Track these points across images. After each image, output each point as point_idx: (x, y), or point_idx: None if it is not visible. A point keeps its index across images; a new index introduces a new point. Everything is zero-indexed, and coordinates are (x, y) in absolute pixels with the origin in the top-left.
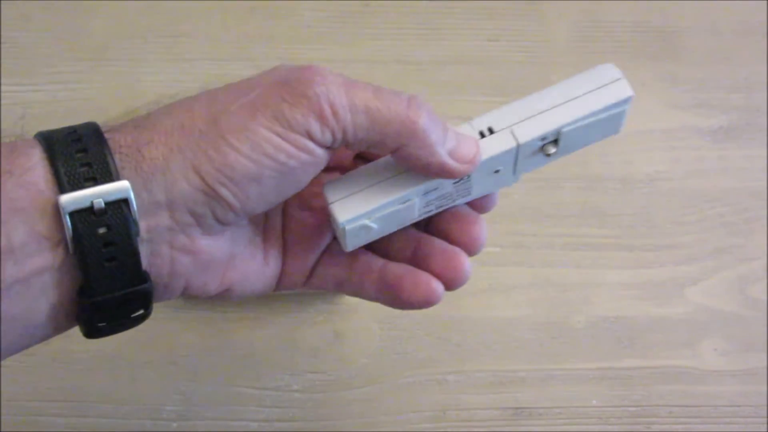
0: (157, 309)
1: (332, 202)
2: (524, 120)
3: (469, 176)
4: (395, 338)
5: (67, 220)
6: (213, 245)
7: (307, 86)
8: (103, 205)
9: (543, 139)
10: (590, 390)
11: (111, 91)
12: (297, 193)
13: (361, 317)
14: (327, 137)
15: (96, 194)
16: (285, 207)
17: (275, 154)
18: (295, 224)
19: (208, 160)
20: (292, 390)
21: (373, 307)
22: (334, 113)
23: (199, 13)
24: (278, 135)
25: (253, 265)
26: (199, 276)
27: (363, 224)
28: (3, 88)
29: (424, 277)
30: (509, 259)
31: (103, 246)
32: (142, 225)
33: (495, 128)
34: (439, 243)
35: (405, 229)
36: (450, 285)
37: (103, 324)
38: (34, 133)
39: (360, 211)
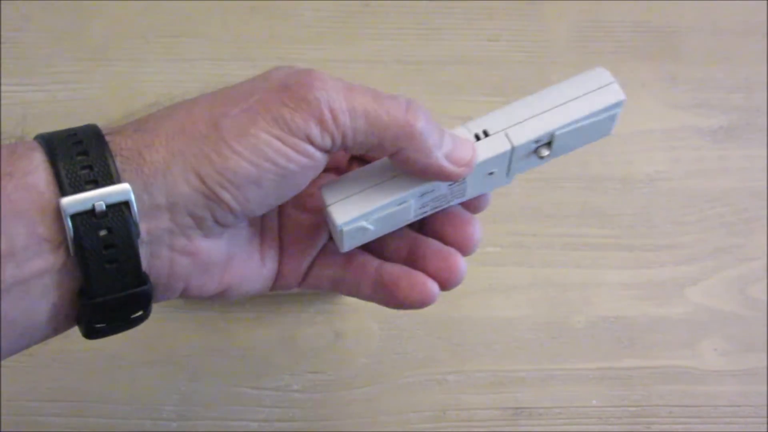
0: (157, 309)
1: (330, 204)
2: (518, 123)
3: (464, 178)
4: (395, 338)
5: (69, 223)
6: (212, 247)
7: (308, 91)
8: (104, 207)
9: (537, 141)
10: (590, 390)
11: (111, 91)
12: None
13: (361, 317)
14: (327, 141)
15: (97, 197)
16: (281, 208)
17: (276, 157)
18: (291, 225)
19: (209, 164)
20: (292, 390)
21: (373, 307)
22: (334, 118)
23: (199, 13)
24: (279, 139)
25: (250, 265)
26: (197, 277)
27: (360, 226)
28: (3, 88)
29: (421, 277)
30: (509, 259)
31: (104, 248)
32: (143, 227)
33: (490, 131)
34: (434, 244)
35: (400, 229)
36: (445, 285)
37: (103, 325)
38: (34, 134)
39: (358, 213)
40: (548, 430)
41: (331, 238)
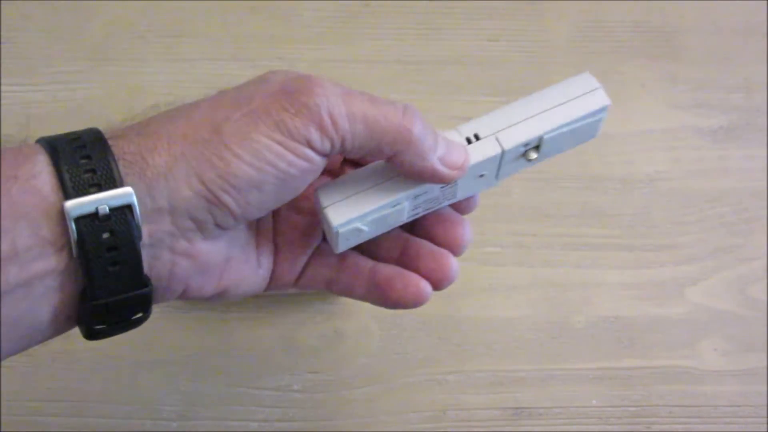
0: (157, 309)
1: (326, 207)
2: (508, 127)
3: (456, 181)
4: (395, 338)
5: (72, 226)
6: (211, 249)
7: (308, 97)
8: (107, 210)
9: (526, 145)
10: (590, 390)
11: (111, 91)
12: None
13: (361, 317)
14: (326, 146)
15: (101, 200)
16: (276, 210)
17: (277, 161)
18: (285, 226)
19: (211, 168)
20: (292, 390)
21: (373, 307)
22: (334, 123)
23: (199, 13)
24: (280, 143)
25: (247, 266)
26: (197, 279)
27: (355, 227)
28: (3, 88)
29: (414, 278)
30: (509, 259)
31: (107, 251)
32: (145, 230)
33: (481, 135)
34: (426, 245)
35: (392, 230)
36: (438, 285)
37: (103, 326)
38: (38, 135)
39: (353, 215)
40: (548, 430)
41: (325, 239)
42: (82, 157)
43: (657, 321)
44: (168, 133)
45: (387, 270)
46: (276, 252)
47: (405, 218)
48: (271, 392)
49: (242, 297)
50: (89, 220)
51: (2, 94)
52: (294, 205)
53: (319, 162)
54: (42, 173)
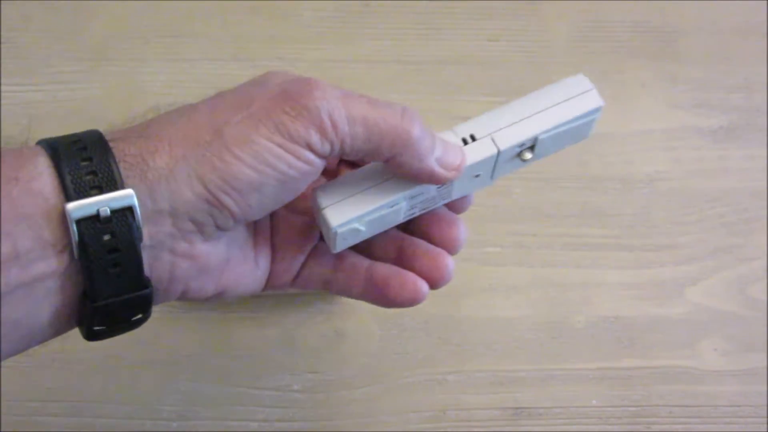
0: (157, 310)
1: (324, 207)
2: (504, 128)
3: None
4: (395, 338)
5: (74, 227)
6: (211, 250)
7: (308, 99)
8: (108, 212)
9: (521, 145)
10: (590, 390)
11: (111, 91)
12: None
13: (361, 317)
14: (326, 148)
15: (102, 202)
16: (273, 210)
17: (277, 163)
18: (283, 226)
19: (212, 170)
20: (292, 390)
21: (374, 306)
22: (334, 125)
23: (199, 13)
24: (280, 146)
25: (245, 267)
26: (197, 280)
27: (353, 228)
28: (3, 88)
29: (411, 277)
30: (509, 259)
31: (108, 252)
32: (146, 232)
33: (477, 135)
34: (422, 244)
35: (388, 230)
36: (434, 284)
37: (103, 327)
38: (36, 136)
39: (351, 215)
40: (548, 430)
41: (322, 239)
42: (83, 159)
43: (657, 321)
44: (169, 136)
45: (384, 269)
46: (273, 252)
47: (402, 218)
48: (271, 392)
49: (240, 297)
50: (90, 222)
51: (2, 95)
52: (291, 205)
53: (319, 164)
54: (43, 175)
